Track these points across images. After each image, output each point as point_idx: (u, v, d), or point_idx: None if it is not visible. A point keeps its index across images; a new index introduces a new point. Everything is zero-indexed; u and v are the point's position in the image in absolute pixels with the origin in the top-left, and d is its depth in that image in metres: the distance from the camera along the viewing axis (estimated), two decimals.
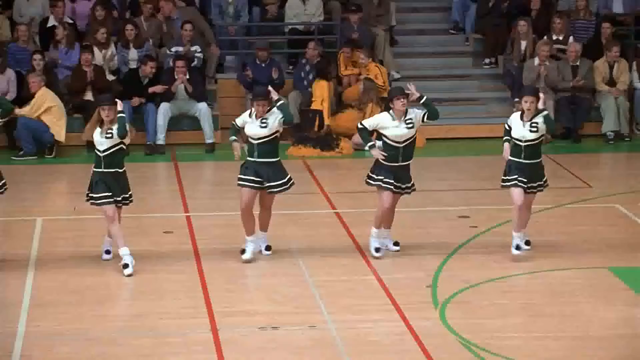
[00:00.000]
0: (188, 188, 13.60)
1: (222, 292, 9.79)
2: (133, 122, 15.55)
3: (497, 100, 17.08)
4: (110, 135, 10.11)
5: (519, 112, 10.60)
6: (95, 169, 10.22)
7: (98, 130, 10.17)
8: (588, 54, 16.62)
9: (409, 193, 10.69)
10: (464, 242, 11.30)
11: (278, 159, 10.50)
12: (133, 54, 16.32)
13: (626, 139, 16.13)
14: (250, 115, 10.47)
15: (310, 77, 16.45)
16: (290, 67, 17.24)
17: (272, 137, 10.42)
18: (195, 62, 16.39)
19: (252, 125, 10.44)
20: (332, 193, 13.20)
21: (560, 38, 16.90)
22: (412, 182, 10.69)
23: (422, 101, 10.57)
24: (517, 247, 10.54)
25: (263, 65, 16.33)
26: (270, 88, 10.56)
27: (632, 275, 10.19)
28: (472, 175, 14.31)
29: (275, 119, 10.38)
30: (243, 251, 10.53)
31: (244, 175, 10.45)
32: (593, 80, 16.42)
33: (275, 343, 8.68)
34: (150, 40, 16.59)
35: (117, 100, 10.25)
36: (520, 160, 10.53)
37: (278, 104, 10.42)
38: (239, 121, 10.59)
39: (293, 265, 10.51)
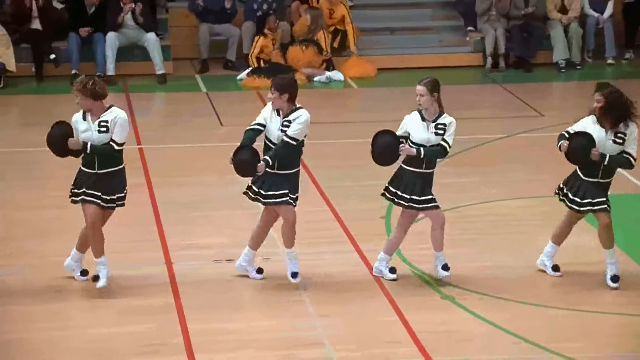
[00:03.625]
0: (140, 120, 13.48)
1: (175, 225, 9.77)
2: (81, 52, 15.49)
3: (450, 29, 17.03)
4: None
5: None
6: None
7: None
8: None
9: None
10: None
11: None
12: None
13: (578, 67, 16.19)
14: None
15: (265, 7, 16.27)
16: None
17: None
18: None
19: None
20: None
21: None
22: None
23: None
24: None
25: None
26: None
27: None
28: None
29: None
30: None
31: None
32: (545, 7, 16.43)
33: (230, 275, 8.70)
34: None
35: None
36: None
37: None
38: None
39: (246, 198, 10.51)
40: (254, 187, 8.45)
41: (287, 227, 8.43)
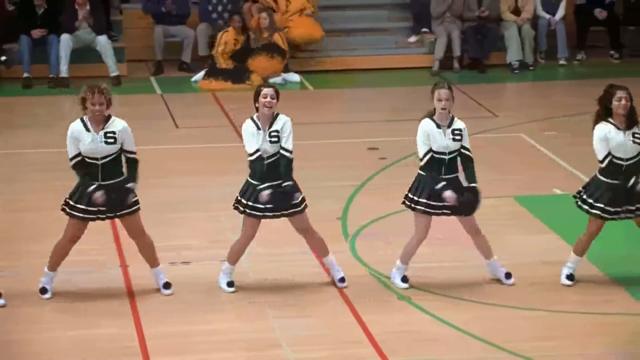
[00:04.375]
0: None
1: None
2: (33, 54, 15.34)
3: (405, 31, 17.09)
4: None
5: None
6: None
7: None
8: None
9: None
10: (373, 173, 11.38)
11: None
12: None
13: (531, 68, 16.33)
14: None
15: (220, 8, 16.22)
16: None
17: None
18: None
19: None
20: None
21: None
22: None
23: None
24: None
25: None
26: None
27: (536, 203, 10.40)
28: (380, 107, 14.36)
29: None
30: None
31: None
32: (498, 9, 16.56)
33: (186, 278, 8.67)
34: None
35: None
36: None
37: None
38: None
39: (203, 201, 10.47)
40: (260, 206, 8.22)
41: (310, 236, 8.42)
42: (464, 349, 7.55)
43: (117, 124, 8.08)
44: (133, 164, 8.13)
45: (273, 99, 8.19)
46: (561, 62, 16.61)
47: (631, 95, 8.22)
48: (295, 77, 15.66)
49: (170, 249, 9.18)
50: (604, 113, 8.22)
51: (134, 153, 8.13)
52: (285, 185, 8.20)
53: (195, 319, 8.01)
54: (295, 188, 8.24)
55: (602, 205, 8.21)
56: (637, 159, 8.17)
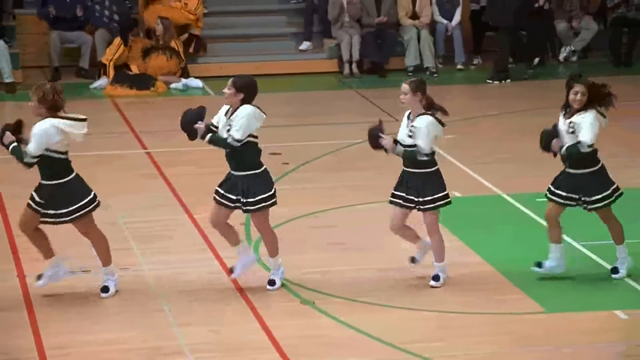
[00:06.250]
0: None
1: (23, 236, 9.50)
2: None
3: (295, 36, 17.08)
4: None
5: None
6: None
7: None
8: None
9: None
10: (276, 178, 11.36)
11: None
12: None
13: (435, 75, 16.43)
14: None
15: (107, 12, 16.06)
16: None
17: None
18: None
19: None
20: (143, 132, 13.00)
21: None
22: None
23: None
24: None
25: (67, 0, 15.83)
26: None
27: None
28: (282, 112, 14.37)
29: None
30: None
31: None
32: (396, 14, 16.74)
33: (87, 287, 8.53)
34: None
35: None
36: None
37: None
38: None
39: (103, 207, 10.33)
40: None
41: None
42: (367, 352, 7.58)
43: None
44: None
45: (228, 90, 8.15)
46: (459, 66, 16.86)
47: (590, 85, 8.27)
48: (196, 83, 15.62)
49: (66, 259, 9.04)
50: (565, 103, 8.38)
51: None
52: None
53: (96, 328, 7.88)
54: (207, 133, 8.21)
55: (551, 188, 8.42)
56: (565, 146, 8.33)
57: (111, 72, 15.43)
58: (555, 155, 8.46)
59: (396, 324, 7.97)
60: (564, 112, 8.41)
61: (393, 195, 8.52)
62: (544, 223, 8.83)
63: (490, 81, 16.08)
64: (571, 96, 8.30)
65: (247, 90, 8.20)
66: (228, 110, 8.28)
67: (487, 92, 15.72)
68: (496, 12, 16.05)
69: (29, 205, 8.17)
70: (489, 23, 16.52)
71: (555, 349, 7.52)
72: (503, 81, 16.02)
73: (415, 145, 8.27)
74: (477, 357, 7.47)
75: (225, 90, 8.20)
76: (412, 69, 16.43)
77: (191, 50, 16.26)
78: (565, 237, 8.71)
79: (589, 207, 8.46)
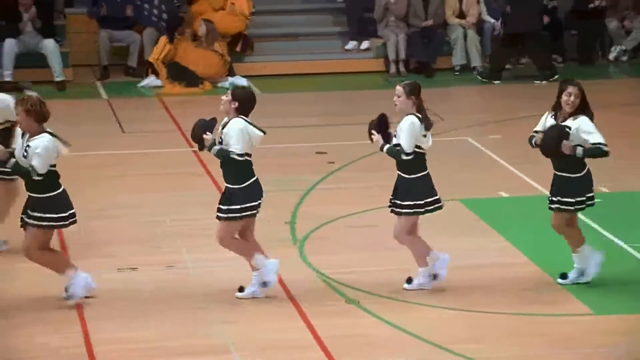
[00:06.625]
0: None
1: (77, 235, 9.60)
2: None
3: (341, 35, 17.03)
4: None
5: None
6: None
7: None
8: None
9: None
10: (321, 177, 11.40)
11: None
12: None
13: (482, 74, 16.38)
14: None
15: (155, 12, 16.19)
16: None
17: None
18: None
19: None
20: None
21: None
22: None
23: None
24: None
25: (118, 0, 15.99)
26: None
27: (482, 206, 10.48)
28: (327, 111, 14.40)
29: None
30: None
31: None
32: (444, 13, 16.68)
33: (135, 283, 8.61)
34: None
35: None
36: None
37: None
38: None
39: (146, 207, 10.42)
40: None
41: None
42: (411, 350, 7.57)
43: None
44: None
45: (226, 97, 8.17)
46: (507, 66, 16.76)
47: (582, 89, 8.20)
48: (242, 81, 15.70)
49: (110, 255, 9.13)
50: (556, 105, 8.26)
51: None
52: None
53: (135, 325, 7.96)
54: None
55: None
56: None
57: (162, 71, 15.52)
58: (560, 156, 8.19)
59: (439, 323, 7.96)
60: (553, 114, 8.27)
61: (390, 202, 8.43)
62: (592, 223, 8.76)
63: (538, 81, 15.99)
64: (564, 97, 8.17)
65: (242, 100, 8.15)
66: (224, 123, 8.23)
67: (535, 91, 15.61)
68: (523, 17, 15.90)
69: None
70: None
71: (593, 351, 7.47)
72: (550, 79, 15.92)
73: (399, 145, 8.26)
74: (521, 357, 7.43)
75: (223, 97, 8.22)
76: (459, 69, 16.38)
77: (238, 49, 16.34)
78: (613, 238, 8.61)
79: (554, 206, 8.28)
